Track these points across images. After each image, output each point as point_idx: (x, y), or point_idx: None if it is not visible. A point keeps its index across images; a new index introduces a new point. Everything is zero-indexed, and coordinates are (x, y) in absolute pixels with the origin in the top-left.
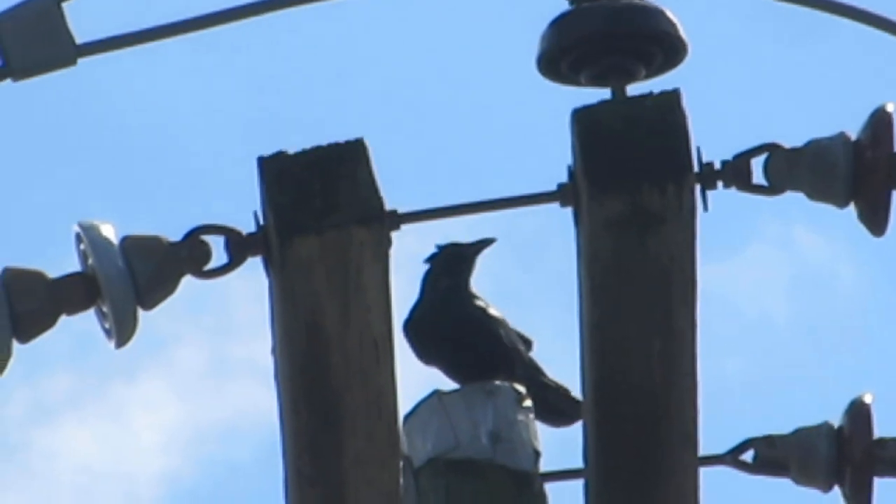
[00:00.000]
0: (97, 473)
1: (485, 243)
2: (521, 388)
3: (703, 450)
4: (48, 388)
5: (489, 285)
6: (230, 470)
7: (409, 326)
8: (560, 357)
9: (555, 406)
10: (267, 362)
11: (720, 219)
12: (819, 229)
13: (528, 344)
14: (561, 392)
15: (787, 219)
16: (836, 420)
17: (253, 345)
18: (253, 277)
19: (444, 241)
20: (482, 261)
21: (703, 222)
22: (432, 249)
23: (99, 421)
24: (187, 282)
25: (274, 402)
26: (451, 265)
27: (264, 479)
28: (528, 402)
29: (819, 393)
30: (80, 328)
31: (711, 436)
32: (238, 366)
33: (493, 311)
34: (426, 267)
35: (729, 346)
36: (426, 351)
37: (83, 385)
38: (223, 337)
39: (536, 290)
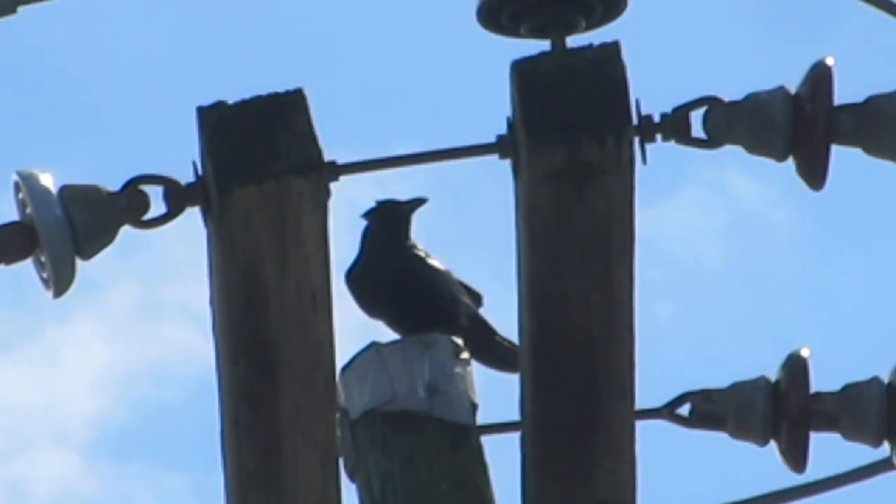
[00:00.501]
0: (27, 415)
1: (418, 202)
2: (459, 341)
3: (640, 402)
4: None
5: (430, 237)
6: (161, 411)
7: (350, 277)
8: (499, 308)
9: (501, 357)
10: (199, 305)
11: (655, 165)
12: (754, 174)
13: (476, 298)
14: (507, 345)
15: (720, 164)
16: (772, 374)
17: (185, 287)
18: (190, 226)
19: (383, 193)
20: (421, 214)
21: (638, 167)
22: (371, 202)
23: (30, 362)
24: (124, 230)
25: (207, 347)
26: (388, 221)
27: (195, 421)
28: (465, 355)
29: (755, 344)
30: (12, 270)
31: (647, 388)
32: (170, 308)
33: (434, 262)
34: (364, 221)
35: (661, 292)
36: (368, 302)
37: (15, 326)
38: (155, 279)
39: (475, 242)
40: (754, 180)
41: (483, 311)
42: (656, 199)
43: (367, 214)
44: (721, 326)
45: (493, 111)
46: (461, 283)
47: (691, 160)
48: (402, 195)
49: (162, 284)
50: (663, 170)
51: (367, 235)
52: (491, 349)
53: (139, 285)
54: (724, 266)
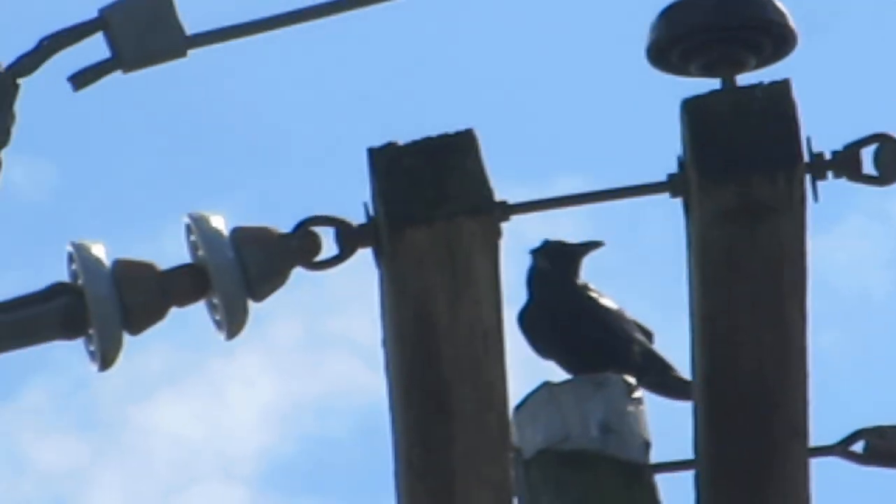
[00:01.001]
0: (193, 450)
1: (593, 245)
2: (632, 380)
3: (813, 441)
4: (145, 364)
5: (599, 275)
6: (326, 446)
7: (523, 318)
8: (670, 351)
9: (677, 388)
10: (364, 337)
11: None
12: None
13: (647, 335)
14: (683, 380)
15: (885, 190)
16: None
17: (349, 319)
18: (355, 261)
19: (551, 229)
20: (595, 254)
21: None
22: (539, 240)
23: (195, 396)
24: (295, 271)
25: (372, 379)
26: (558, 261)
27: (361, 455)
28: (638, 394)
29: None
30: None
31: (819, 425)
32: (334, 341)
33: (605, 301)
34: (530, 258)
35: (828, 323)
36: (540, 342)
37: (180, 360)
38: (319, 311)
39: (645, 279)
40: None
41: (656, 348)
42: (821, 227)
43: (535, 252)
44: (890, 363)
45: (664, 150)
46: (634, 322)
47: (856, 189)
48: (569, 232)
49: (327, 317)
50: (828, 197)
51: (535, 275)
52: (666, 382)
53: (302, 317)
54: (892, 296)
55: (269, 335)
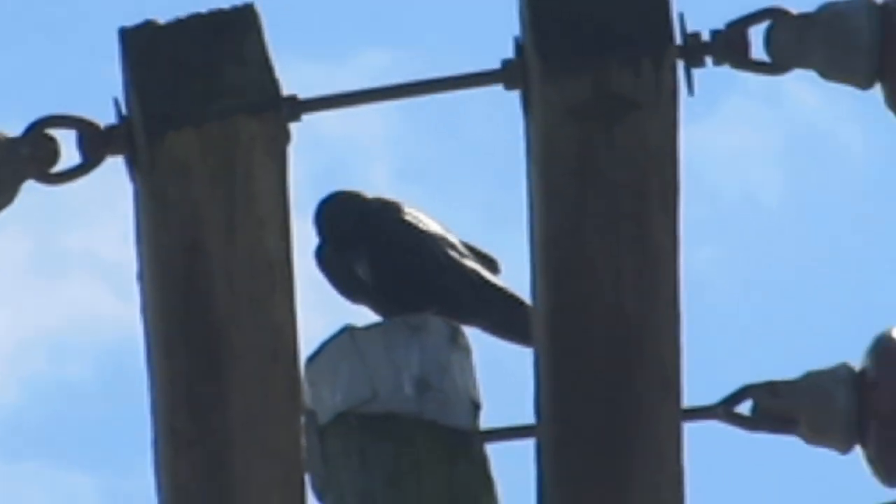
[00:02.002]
0: None
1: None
2: (456, 323)
3: (688, 399)
4: None
5: (421, 191)
6: (61, 393)
7: (319, 249)
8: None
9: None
10: (111, 255)
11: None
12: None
13: (490, 264)
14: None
15: None
16: (856, 360)
17: (91, 234)
18: (113, 181)
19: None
20: (410, 157)
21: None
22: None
23: None
24: (28, 187)
25: (121, 308)
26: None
27: (107, 408)
28: (464, 341)
29: (833, 321)
30: None
31: (697, 381)
32: (74, 261)
33: (424, 222)
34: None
35: (705, 238)
36: (341, 276)
37: None
38: (55, 227)
39: (477, 196)
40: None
41: (500, 278)
42: (694, 116)
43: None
44: (788, 295)
45: (496, 29)
46: (467, 245)
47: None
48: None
49: (65, 234)
50: (706, 83)
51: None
52: (514, 321)
53: (36, 235)
54: (785, 200)
55: None
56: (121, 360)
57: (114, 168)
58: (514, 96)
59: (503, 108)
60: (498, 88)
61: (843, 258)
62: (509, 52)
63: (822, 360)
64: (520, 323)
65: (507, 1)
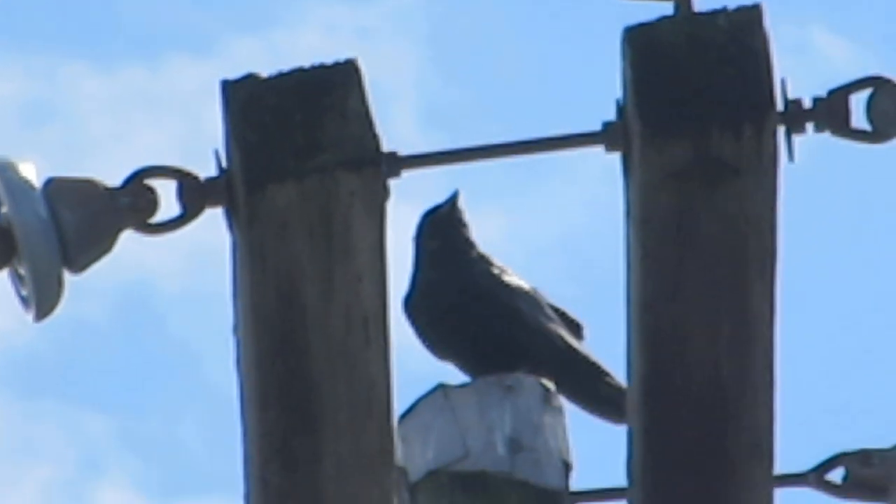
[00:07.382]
0: None
1: (453, 198)
2: (549, 384)
3: (780, 466)
4: None
5: (513, 252)
6: (78, 330)
7: (409, 303)
8: (603, 345)
9: (610, 401)
10: None
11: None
12: None
13: (575, 328)
14: (618, 388)
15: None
16: None
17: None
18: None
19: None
20: (497, 219)
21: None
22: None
23: None
24: (127, 237)
25: (141, 251)
26: (448, 234)
27: (122, 344)
28: (557, 401)
29: None
30: None
31: (790, 448)
32: None
33: (513, 279)
34: (415, 242)
35: (801, 315)
36: (431, 335)
37: None
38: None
39: (573, 260)
40: None
41: (584, 345)
42: (797, 188)
43: (421, 231)
44: (882, 364)
45: (599, 91)
46: (553, 308)
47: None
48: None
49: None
50: (808, 154)
51: (423, 257)
52: (596, 392)
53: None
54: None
55: None
56: (138, 302)
57: (213, 221)
58: (615, 159)
59: (604, 172)
60: (598, 150)
61: None
62: (611, 115)
63: None
64: (604, 393)
65: (610, 61)
